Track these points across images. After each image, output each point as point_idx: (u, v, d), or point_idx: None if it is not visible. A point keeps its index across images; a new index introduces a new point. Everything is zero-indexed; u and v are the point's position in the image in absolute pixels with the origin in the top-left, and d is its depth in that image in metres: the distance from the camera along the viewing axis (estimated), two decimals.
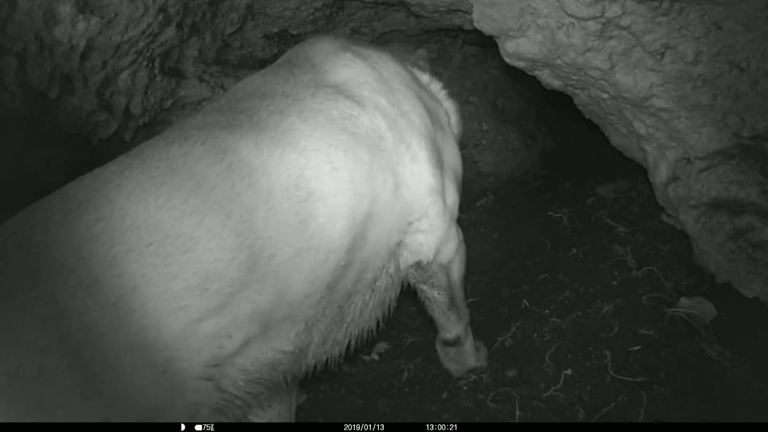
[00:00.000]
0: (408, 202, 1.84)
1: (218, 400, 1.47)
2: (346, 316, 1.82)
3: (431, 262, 1.97)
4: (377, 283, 1.87)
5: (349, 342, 1.90)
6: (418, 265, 1.97)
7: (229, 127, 1.61)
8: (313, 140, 1.64)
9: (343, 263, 1.65)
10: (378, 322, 1.97)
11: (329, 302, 1.69)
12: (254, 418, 1.77)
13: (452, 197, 2.00)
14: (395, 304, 2.02)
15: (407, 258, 1.94)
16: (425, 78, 2.24)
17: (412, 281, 2.07)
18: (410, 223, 1.88)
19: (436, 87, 2.27)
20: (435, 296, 2.09)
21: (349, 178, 1.64)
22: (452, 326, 2.17)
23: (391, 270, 1.91)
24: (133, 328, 1.28)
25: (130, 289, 1.29)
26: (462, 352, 2.23)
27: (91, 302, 1.26)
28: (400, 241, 1.89)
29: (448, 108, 2.27)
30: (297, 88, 1.80)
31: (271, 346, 1.58)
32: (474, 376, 2.19)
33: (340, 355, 1.89)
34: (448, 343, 2.22)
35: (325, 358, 1.84)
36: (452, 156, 2.09)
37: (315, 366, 1.83)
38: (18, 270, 1.27)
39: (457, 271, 2.08)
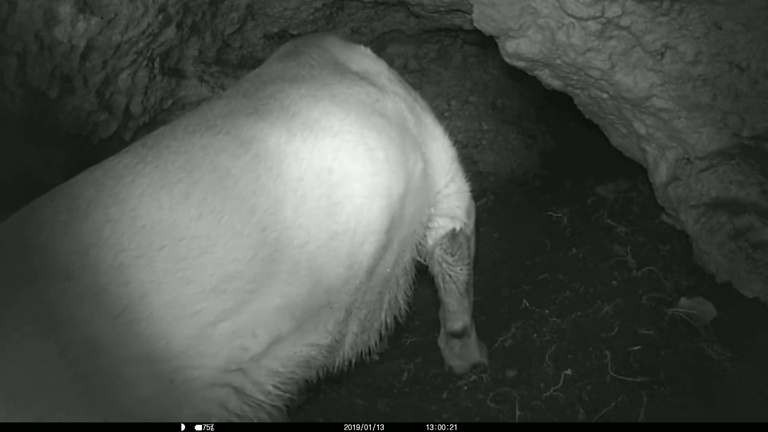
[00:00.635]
0: (434, 177, 1.91)
1: (236, 408, 1.39)
2: (384, 302, 1.81)
3: (462, 230, 2.03)
4: (411, 267, 1.91)
5: (382, 331, 1.88)
6: (452, 233, 2.02)
7: (257, 114, 1.55)
8: (347, 123, 1.63)
9: (382, 244, 1.63)
10: (406, 310, 1.97)
11: (369, 287, 1.66)
12: None
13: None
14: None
15: (443, 226, 1.99)
16: None
17: (440, 254, 2.07)
18: (438, 192, 1.94)
19: None
20: (457, 273, 2.11)
21: (385, 158, 1.64)
22: (463, 313, 2.19)
23: (417, 250, 1.95)
24: (139, 339, 1.21)
25: (137, 297, 1.22)
26: (468, 344, 2.24)
27: (95, 312, 1.18)
28: (431, 215, 1.94)
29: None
30: (324, 74, 1.80)
31: (305, 341, 1.51)
32: (474, 376, 2.19)
33: (375, 344, 1.87)
34: (455, 335, 2.23)
35: (359, 351, 1.81)
36: None
37: (347, 362, 1.78)
38: (20, 274, 1.19)
39: (474, 246, 2.16)
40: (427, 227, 1.96)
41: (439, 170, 1.94)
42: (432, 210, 1.94)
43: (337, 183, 1.52)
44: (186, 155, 1.40)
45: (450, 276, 2.13)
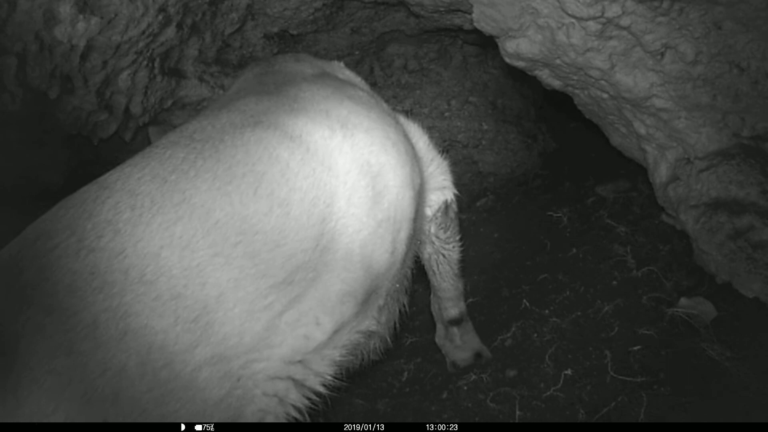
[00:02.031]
0: (421, 164, 2.01)
1: (296, 401, 1.38)
2: (401, 293, 1.89)
3: (452, 201, 2.12)
4: (411, 263, 1.97)
5: (394, 327, 1.94)
6: (445, 205, 2.09)
7: (294, 112, 1.58)
8: (371, 120, 1.70)
9: (411, 233, 1.72)
10: (406, 311, 2.03)
11: (399, 275, 1.75)
12: None
13: None
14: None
15: (436, 201, 2.07)
16: None
17: (434, 231, 2.14)
18: (425, 173, 2.03)
19: None
20: (449, 251, 2.17)
21: (405, 151, 1.74)
22: (459, 298, 2.24)
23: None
24: (215, 339, 1.17)
25: (214, 297, 1.18)
26: (467, 330, 2.28)
27: (171, 319, 1.13)
28: (426, 197, 2.03)
29: None
30: (329, 80, 1.88)
31: (360, 328, 1.55)
32: (474, 376, 2.19)
33: (391, 337, 1.91)
34: (454, 322, 2.26)
35: (376, 348, 1.85)
36: None
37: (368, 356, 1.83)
38: (84, 279, 1.12)
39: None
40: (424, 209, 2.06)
41: (422, 155, 2.06)
42: (426, 193, 2.04)
43: (376, 174, 1.59)
44: (245, 149, 1.39)
45: (444, 255, 2.18)
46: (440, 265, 2.19)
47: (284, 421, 1.36)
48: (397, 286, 1.80)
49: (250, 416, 1.26)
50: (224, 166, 1.33)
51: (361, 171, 1.56)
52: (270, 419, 1.32)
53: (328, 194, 1.44)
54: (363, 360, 1.82)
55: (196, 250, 1.19)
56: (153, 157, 1.36)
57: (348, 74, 2.15)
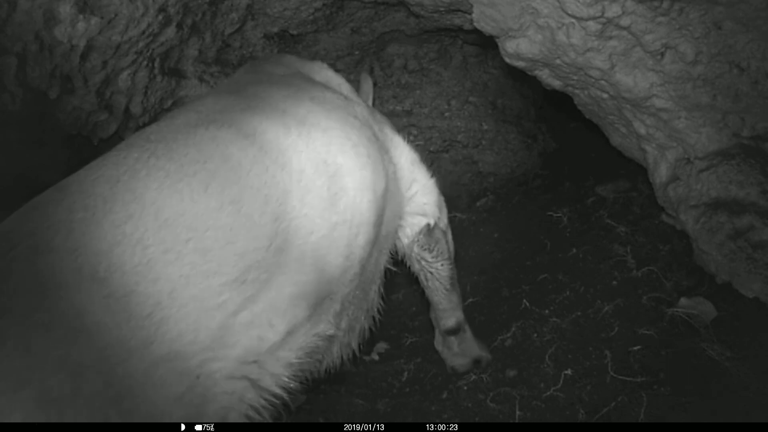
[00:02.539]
0: (401, 180, 1.98)
1: (253, 401, 1.39)
2: (367, 302, 1.87)
3: (436, 225, 2.07)
4: (382, 269, 1.96)
5: (365, 333, 1.94)
6: (427, 228, 2.05)
7: (250, 110, 1.58)
8: (332, 120, 1.69)
9: (371, 237, 1.69)
10: (376, 316, 2.02)
11: (360, 282, 1.72)
12: None
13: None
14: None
15: (416, 223, 2.04)
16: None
17: (418, 252, 2.11)
18: (406, 197, 2.01)
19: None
20: (438, 269, 2.13)
21: (367, 154, 1.71)
22: (454, 309, 2.20)
23: (396, 251, 2.04)
24: (169, 336, 1.18)
25: (166, 293, 1.19)
26: (465, 339, 2.25)
27: (125, 314, 1.14)
28: (403, 215, 2.01)
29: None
30: (296, 80, 1.89)
31: (315, 331, 1.54)
32: (474, 376, 2.19)
33: (360, 347, 1.92)
34: (450, 332, 2.24)
35: (341, 355, 1.85)
36: None
37: (327, 367, 1.84)
38: (41, 278, 1.13)
39: (451, 241, 2.19)
40: (401, 226, 2.03)
41: (404, 174, 2.02)
42: (403, 212, 2.01)
43: (333, 174, 1.58)
44: (196, 148, 1.40)
45: (432, 273, 2.15)
46: (429, 281, 2.17)
47: (246, 420, 1.38)
48: (358, 293, 1.76)
49: (212, 414, 1.27)
50: (176, 164, 1.33)
51: (317, 171, 1.54)
52: (233, 416, 1.33)
53: (281, 192, 1.43)
54: (327, 366, 1.82)
55: (147, 246, 1.19)
56: (109, 160, 1.38)
57: (328, 75, 2.12)
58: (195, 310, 1.22)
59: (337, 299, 1.62)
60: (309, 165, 1.54)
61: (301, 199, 1.47)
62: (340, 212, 1.57)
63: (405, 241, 2.06)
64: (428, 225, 2.07)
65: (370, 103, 2.59)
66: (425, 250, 2.10)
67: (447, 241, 2.17)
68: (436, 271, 2.14)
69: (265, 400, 1.42)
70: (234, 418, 1.34)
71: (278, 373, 1.42)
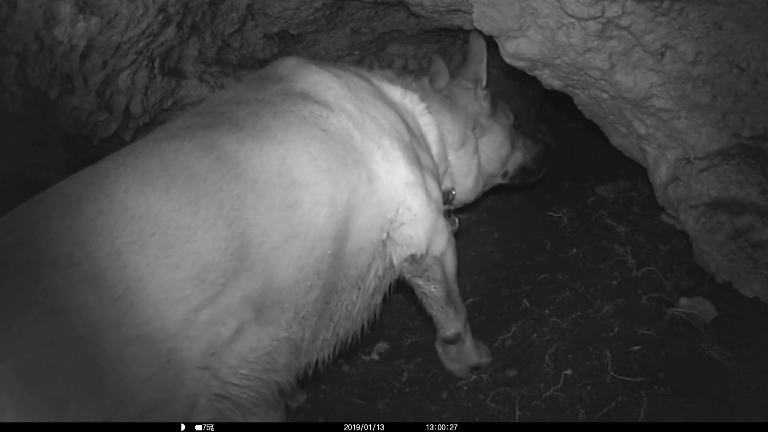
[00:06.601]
0: (385, 198, 1.88)
1: (217, 390, 1.51)
2: (334, 314, 1.85)
3: (425, 255, 2.00)
4: (365, 284, 1.91)
5: (337, 344, 1.93)
6: (412, 258, 1.99)
7: (211, 127, 1.69)
8: (289, 133, 1.73)
9: (330, 251, 1.71)
10: (363, 327, 2.01)
11: (319, 294, 1.73)
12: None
13: (435, 192, 2.05)
14: (379, 311, 2.05)
15: (400, 253, 1.97)
16: (398, 93, 2.26)
17: (407, 276, 2.10)
18: (392, 220, 1.92)
19: (412, 101, 2.28)
20: (432, 291, 2.11)
21: (327, 168, 1.72)
22: (451, 323, 2.18)
23: (380, 271, 1.95)
24: (139, 320, 1.31)
25: (134, 280, 1.33)
26: (463, 349, 2.23)
27: (97, 296, 1.28)
28: (387, 239, 1.93)
29: (425, 123, 2.28)
30: (269, 95, 1.90)
31: (266, 332, 1.61)
32: (474, 376, 2.19)
33: (329, 357, 1.93)
34: (448, 341, 2.23)
35: (315, 359, 1.88)
36: (430, 165, 2.13)
37: (307, 368, 1.87)
38: (20, 266, 1.29)
39: (450, 264, 2.11)
40: (385, 247, 1.94)
41: (391, 193, 1.89)
42: (385, 234, 1.91)
43: (287, 186, 1.63)
44: (160, 157, 1.55)
45: (425, 294, 2.14)
46: (422, 299, 2.17)
47: (215, 407, 1.52)
48: (320, 306, 1.75)
49: (183, 399, 1.41)
50: (141, 172, 1.50)
51: (270, 182, 1.61)
52: (202, 403, 1.47)
53: (235, 199, 1.53)
54: (304, 366, 1.85)
55: (115, 237, 1.35)
56: (85, 170, 1.55)
57: (314, 80, 2.00)
58: (161, 300, 1.35)
59: (288, 308, 1.65)
60: (262, 176, 1.61)
61: (254, 208, 1.56)
62: (294, 225, 1.61)
63: (395, 261, 1.98)
64: (413, 255, 1.97)
65: (442, 82, 2.52)
66: (415, 276, 2.08)
67: (443, 266, 2.06)
68: (429, 293, 2.11)
69: (226, 391, 1.54)
70: (203, 404, 1.47)
71: (234, 366, 1.54)
